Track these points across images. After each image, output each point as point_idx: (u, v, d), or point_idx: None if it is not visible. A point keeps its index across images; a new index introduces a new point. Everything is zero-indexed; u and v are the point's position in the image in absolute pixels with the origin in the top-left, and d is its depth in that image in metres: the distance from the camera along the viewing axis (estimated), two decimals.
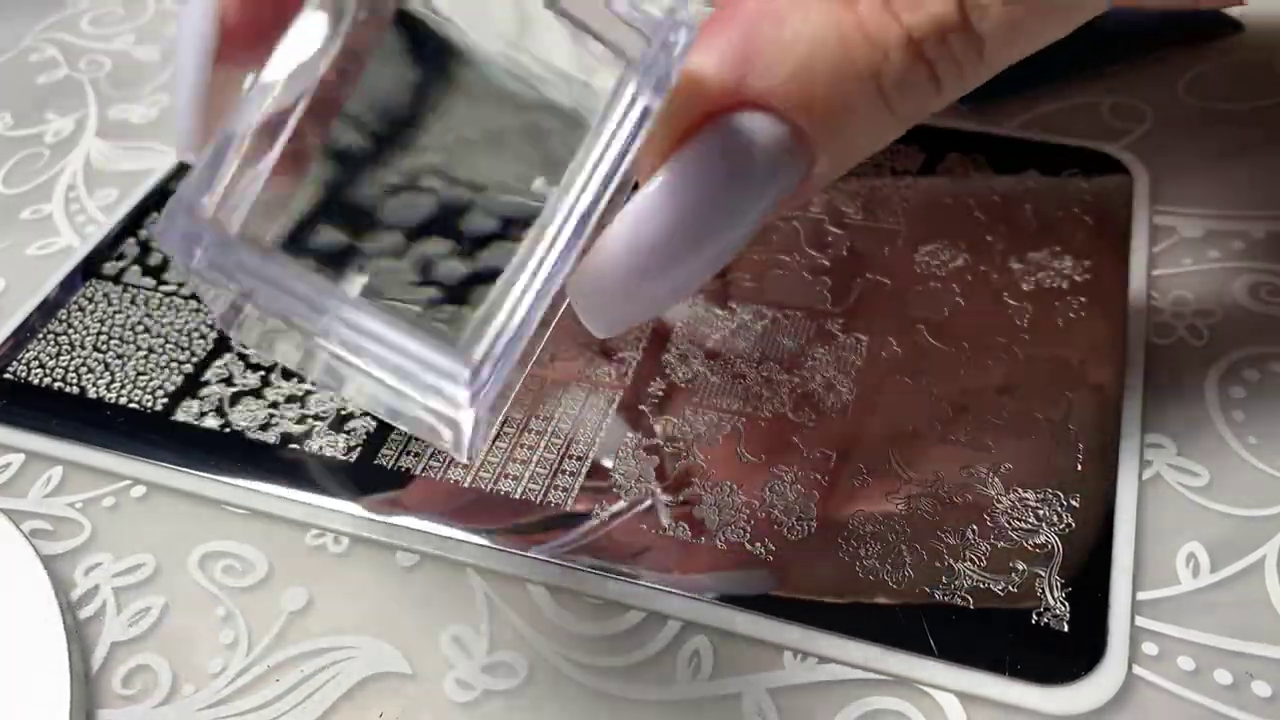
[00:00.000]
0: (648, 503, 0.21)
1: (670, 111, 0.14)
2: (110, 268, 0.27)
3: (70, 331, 0.25)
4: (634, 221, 0.14)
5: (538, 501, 0.21)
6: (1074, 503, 0.20)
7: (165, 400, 0.24)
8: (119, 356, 0.25)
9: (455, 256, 0.15)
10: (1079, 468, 0.21)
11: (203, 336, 0.25)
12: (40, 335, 0.25)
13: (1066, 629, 0.18)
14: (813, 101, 0.15)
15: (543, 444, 0.22)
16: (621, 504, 0.21)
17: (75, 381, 0.24)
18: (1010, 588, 0.19)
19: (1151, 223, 0.25)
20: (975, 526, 0.20)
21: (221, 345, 0.25)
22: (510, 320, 0.14)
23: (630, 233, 0.14)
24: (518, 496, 0.21)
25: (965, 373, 0.22)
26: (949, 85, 0.15)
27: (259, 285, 0.14)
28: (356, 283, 0.15)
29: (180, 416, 0.23)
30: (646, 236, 0.14)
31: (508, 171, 0.15)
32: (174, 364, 0.24)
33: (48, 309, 0.26)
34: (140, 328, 0.25)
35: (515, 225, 0.15)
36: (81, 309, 0.26)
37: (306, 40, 0.14)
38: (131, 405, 0.23)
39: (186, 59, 0.17)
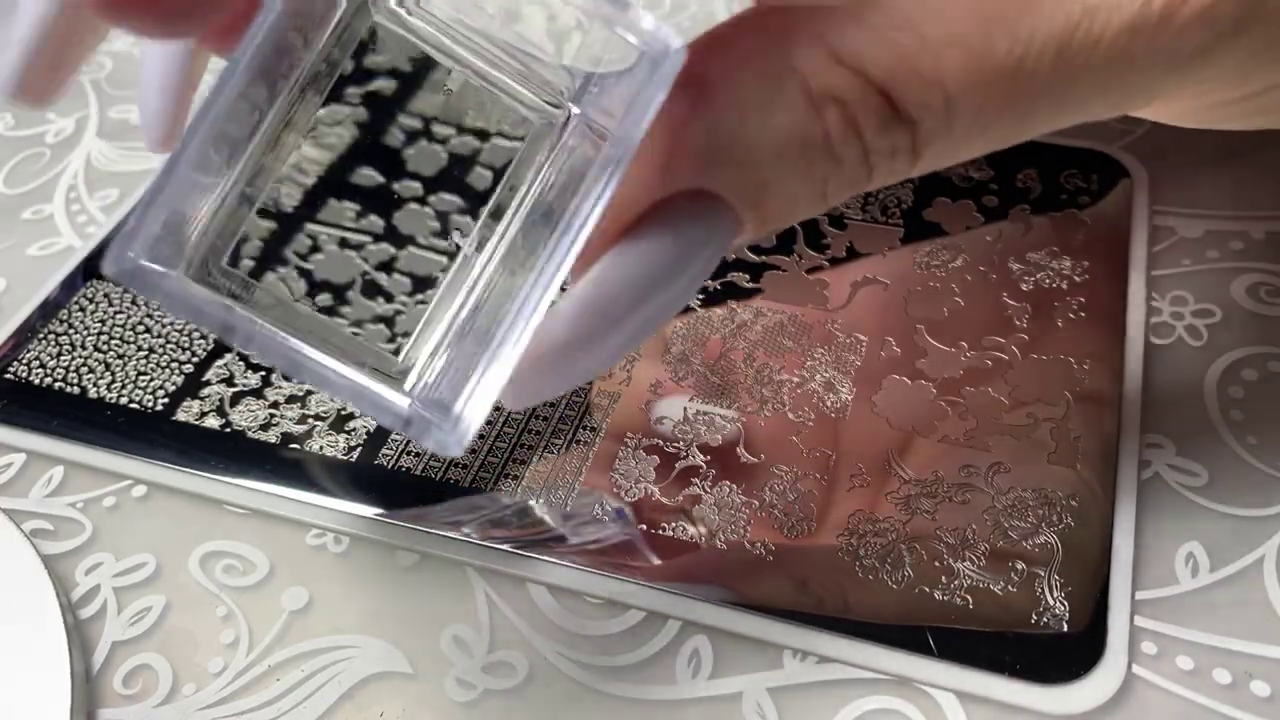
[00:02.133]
0: (647, 504, 0.21)
1: (621, 193, 0.14)
2: None
3: (71, 332, 0.25)
4: (577, 307, 0.14)
5: (537, 501, 0.21)
6: (1074, 503, 0.20)
7: (166, 400, 0.24)
8: (120, 357, 0.25)
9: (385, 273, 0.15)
10: (1078, 467, 0.21)
11: (203, 337, 0.25)
12: (41, 335, 0.25)
13: (1066, 629, 0.18)
14: (763, 200, 0.15)
15: (542, 444, 0.22)
16: (622, 505, 0.21)
17: (76, 381, 0.24)
18: (1010, 587, 0.19)
19: (1151, 223, 0.25)
20: (975, 526, 0.20)
21: (222, 346, 0.25)
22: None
23: (571, 315, 0.15)
24: (517, 496, 0.21)
25: (965, 373, 0.22)
26: (878, 182, 0.16)
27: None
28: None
29: (181, 416, 0.23)
30: (582, 321, 0.14)
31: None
32: (174, 364, 0.24)
33: (49, 309, 0.26)
34: (141, 328, 0.25)
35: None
36: (82, 309, 0.26)
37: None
38: (132, 405, 0.24)
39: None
